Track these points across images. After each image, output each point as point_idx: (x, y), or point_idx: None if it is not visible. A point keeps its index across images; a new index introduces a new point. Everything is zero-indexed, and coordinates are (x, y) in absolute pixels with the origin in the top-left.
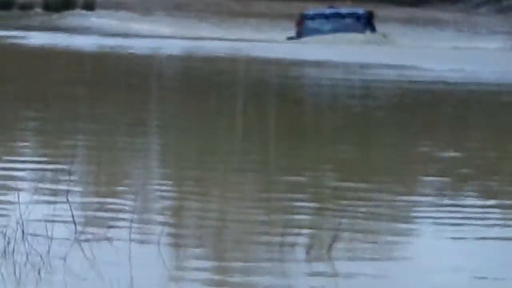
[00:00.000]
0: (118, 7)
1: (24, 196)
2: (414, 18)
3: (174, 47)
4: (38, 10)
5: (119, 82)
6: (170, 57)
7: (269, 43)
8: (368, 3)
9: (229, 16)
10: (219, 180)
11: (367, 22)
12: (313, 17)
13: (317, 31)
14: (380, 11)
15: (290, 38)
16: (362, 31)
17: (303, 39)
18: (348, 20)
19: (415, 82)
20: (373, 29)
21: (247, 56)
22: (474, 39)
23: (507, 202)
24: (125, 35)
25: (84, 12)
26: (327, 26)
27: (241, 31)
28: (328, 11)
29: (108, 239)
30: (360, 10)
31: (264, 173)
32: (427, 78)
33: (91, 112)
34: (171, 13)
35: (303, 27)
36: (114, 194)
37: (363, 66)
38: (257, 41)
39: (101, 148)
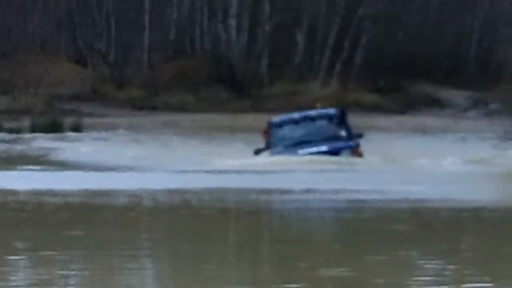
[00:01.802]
0: (104, 127)
1: None
2: (399, 126)
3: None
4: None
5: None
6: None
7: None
8: (355, 113)
9: (217, 131)
10: None
11: (340, 122)
12: (280, 124)
13: (287, 139)
14: (368, 120)
15: (257, 152)
16: (336, 132)
17: (269, 157)
18: (320, 122)
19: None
20: (347, 128)
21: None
22: (461, 145)
23: None
24: (110, 169)
25: (70, 135)
26: (297, 132)
27: (223, 147)
28: (296, 115)
29: None
30: (331, 110)
31: None
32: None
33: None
34: (159, 130)
35: (270, 137)
36: None
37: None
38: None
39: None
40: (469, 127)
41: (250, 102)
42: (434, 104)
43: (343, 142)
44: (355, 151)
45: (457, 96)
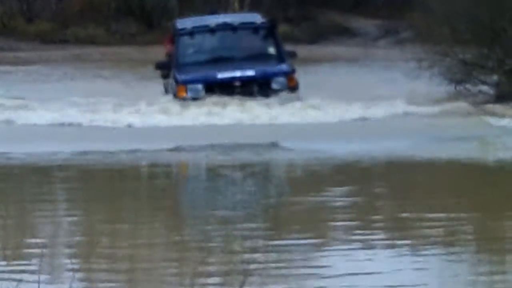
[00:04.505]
0: (14, 61)
1: None
2: (312, 55)
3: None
4: None
5: None
6: None
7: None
8: None
9: (127, 65)
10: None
11: (268, 34)
12: (191, 32)
13: (199, 53)
14: None
15: (160, 66)
16: (264, 48)
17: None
18: (242, 33)
19: None
20: (277, 44)
21: None
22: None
23: None
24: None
25: None
26: (213, 44)
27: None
28: (212, 21)
29: None
30: (258, 19)
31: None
32: None
33: None
34: (71, 63)
35: (178, 48)
36: None
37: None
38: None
39: None
40: (381, 56)
41: (160, 34)
42: (344, 33)
43: (274, 64)
44: (290, 80)
45: (367, 25)
